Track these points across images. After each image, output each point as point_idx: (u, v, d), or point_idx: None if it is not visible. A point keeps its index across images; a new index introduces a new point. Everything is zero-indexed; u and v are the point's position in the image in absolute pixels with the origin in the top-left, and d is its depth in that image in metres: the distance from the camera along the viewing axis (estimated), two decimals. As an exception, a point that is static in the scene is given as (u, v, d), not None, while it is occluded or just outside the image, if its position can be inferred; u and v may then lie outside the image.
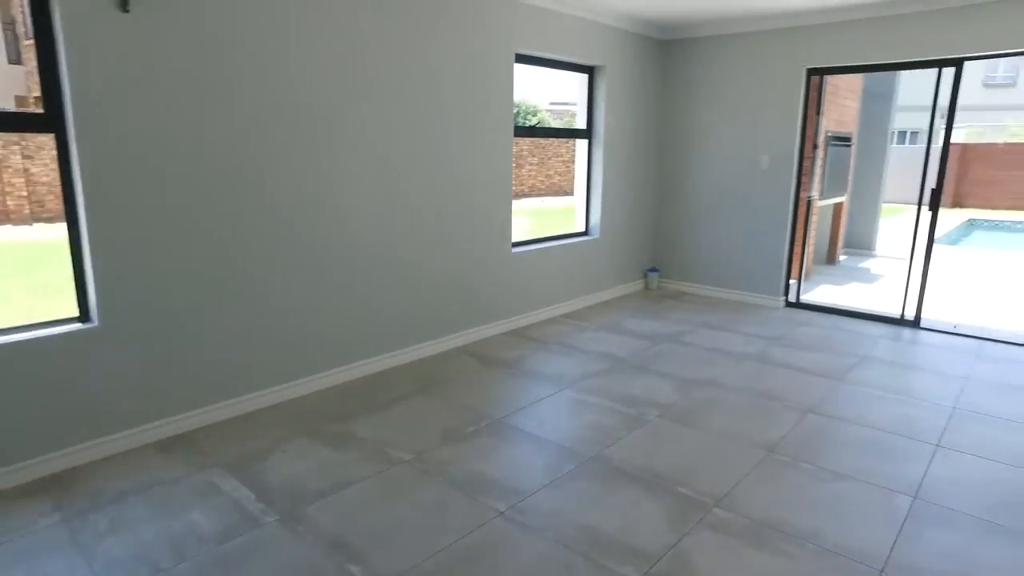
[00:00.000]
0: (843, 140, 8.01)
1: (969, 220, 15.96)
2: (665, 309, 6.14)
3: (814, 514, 2.80)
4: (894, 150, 23.58)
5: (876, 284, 7.61)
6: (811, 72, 5.87)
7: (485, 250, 5.06)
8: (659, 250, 7.01)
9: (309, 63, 3.73)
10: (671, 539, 2.61)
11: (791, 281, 6.37)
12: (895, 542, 2.62)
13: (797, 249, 6.40)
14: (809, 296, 6.76)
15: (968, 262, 9.57)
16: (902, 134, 25.95)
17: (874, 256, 9.49)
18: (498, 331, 5.28)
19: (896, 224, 14.53)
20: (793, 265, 6.37)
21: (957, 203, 18.89)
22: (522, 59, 5.20)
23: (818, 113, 6.18)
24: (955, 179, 18.86)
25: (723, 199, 6.45)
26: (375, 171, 4.18)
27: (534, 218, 14.44)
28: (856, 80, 8.26)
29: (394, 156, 4.27)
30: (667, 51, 6.56)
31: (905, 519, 2.78)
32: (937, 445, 3.45)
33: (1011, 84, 26.16)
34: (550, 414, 3.79)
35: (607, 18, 5.77)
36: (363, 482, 3.02)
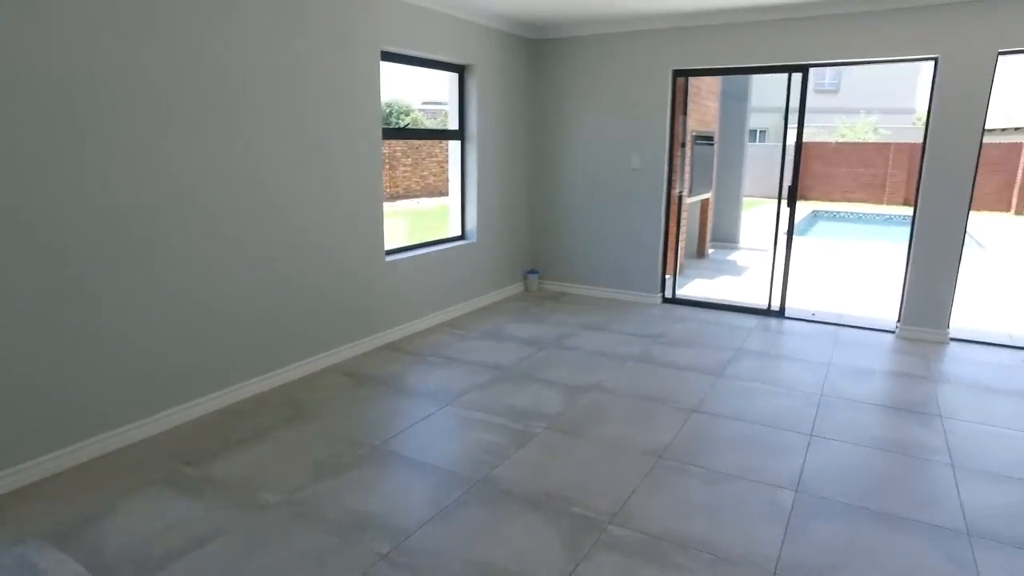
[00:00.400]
0: (706, 139, 8.35)
1: (813, 211, 17.39)
2: (546, 312, 6.07)
3: (706, 521, 2.75)
4: (749, 148, 25.31)
5: (743, 276, 7.99)
6: (676, 73, 6.01)
7: (357, 260, 4.72)
8: (538, 251, 6.94)
9: (161, 65, 3.24)
10: (567, 566, 2.46)
11: (667, 277, 6.51)
12: (783, 540, 2.62)
13: (671, 245, 6.56)
14: (684, 291, 6.95)
15: (817, 251, 10.33)
16: (753, 132, 27.97)
17: (739, 248, 10.01)
18: (374, 346, 4.96)
19: (753, 217, 15.56)
20: (668, 261, 6.52)
21: (801, 196, 20.51)
22: (389, 57, 4.90)
23: (684, 113, 6.34)
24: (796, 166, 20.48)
25: (598, 199, 6.48)
26: (224, 179, 3.73)
27: (411, 220, 14.08)
28: (715, 82, 8.63)
29: (250, 163, 3.84)
30: (538, 51, 6.49)
31: (790, 515, 2.80)
32: (811, 435, 3.56)
33: (835, 90, 28.96)
34: (432, 435, 3.55)
35: (478, 16, 5.59)
36: (224, 536, 2.63)
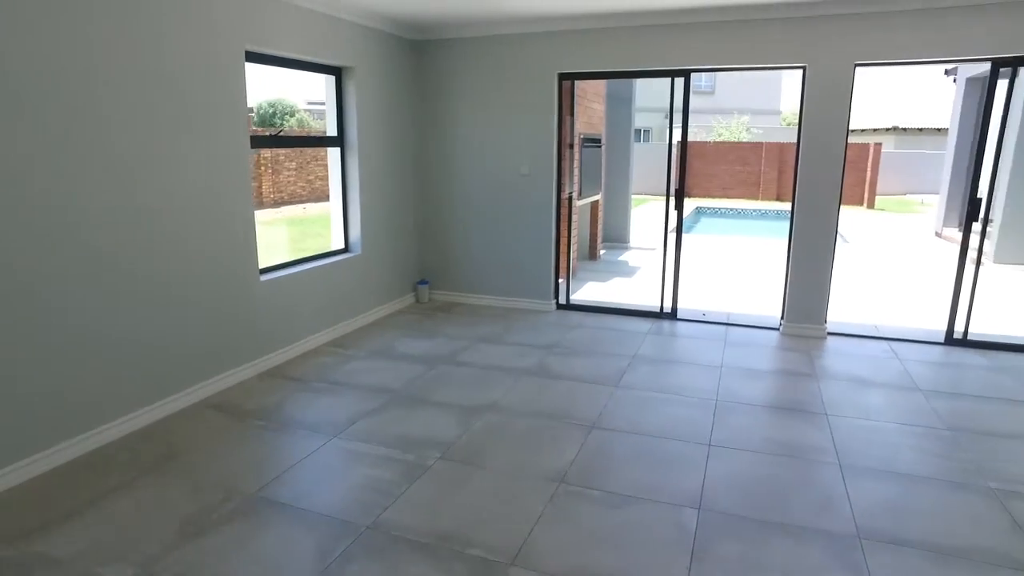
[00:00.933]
0: (594, 141, 8.39)
1: (697, 208, 18.14)
2: (438, 324, 5.83)
3: (612, 553, 2.62)
4: (635, 148, 26.09)
5: (635, 277, 8.08)
6: (562, 76, 5.93)
7: (227, 281, 4.28)
8: (427, 261, 6.68)
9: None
10: (466, 622, 2.25)
11: (560, 282, 6.45)
12: (690, 568, 2.54)
13: (563, 250, 6.50)
14: (578, 296, 6.92)
15: (703, 249, 10.70)
16: (638, 132, 28.93)
17: (630, 248, 10.18)
18: (250, 373, 4.53)
19: (641, 214, 16.01)
20: (561, 266, 6.46)
21: (685, 193, 21.40)
22: (255, 58, 4.49)
23: (571, 115, 6.28)
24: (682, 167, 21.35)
25: (488, 205, 6.31)
26: (63, 187, 3.23)
27: (298, 228, 13.37)
28: (601, 85, 8.70)
29: (94, 171, 3.34)
30: (422, 53, 6.23)
31: (695, 537, 2.72)
32: (709, 444, 3.54)
33: (711, 92, 30.54)
34: (316, 476, 3.23)
35: (354, 15, 5.26)
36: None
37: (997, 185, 9.36)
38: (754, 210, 18.19)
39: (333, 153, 5.59)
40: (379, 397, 4.18)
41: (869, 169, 19.21)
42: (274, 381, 4.45)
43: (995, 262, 8.66)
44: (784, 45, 5.16)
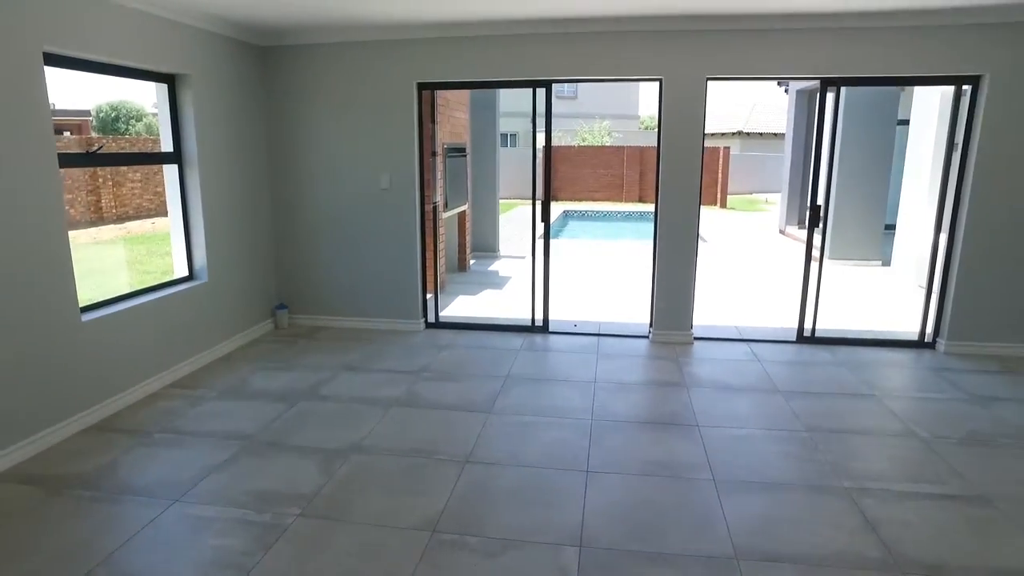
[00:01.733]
0: (459, 150, 8.22)
1: (564, 212, 18.52)
2: (299, 353, 5.40)
3: (490, 610, 2.44)
4: (501, 152, 26.28)
5: (505, 288, 7.99)
6: (422, 86, 5.70)
7: (34, 324, 3.66)
8: (286, 283, 6.20)
9: None
10: None
11: (428, 297, 6.21)
12: (572, 615, 2.40)
13: (430, 264, 6.26)
14: (448, 312, 6.72)
15: (572, 254, 10.85)
16: (504, 136, 29.20)
17: (500, 257, 10.10)
18: (74, 429, 3.92)
19: (510, 220, 16.09)
20: (429, 281, 6.22)
21: (552, 197, 21.84)
22: (60, 61, 3.88)
23: (433, 125, 6.04)
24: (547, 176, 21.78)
25: (349, 222, 5.95)
26: None
27: (144, 245, 12.15)
28: (464, 93, 8.54)
29: None
30: (271, 60, 5.74)
31: (576, 579, 2.60)
32: (587, 471, 3.45)
33: (574, 97, 31.48)
34: (151, 557, 2.78)
35: (188, 17, 4.72)
36: None
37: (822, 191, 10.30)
38: (619, 212, 18.86)
39: (170, 171, 5.01)
40: (230, 446, 3.74)
41: (720, 171, 20.50)
42: (104, 436, 3.87)
43: (829, 258, 9.43)
44: (641, 58, 5.24)
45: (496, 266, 9.51)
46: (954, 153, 5.21)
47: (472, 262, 9.63)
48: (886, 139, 9.32)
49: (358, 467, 3.50)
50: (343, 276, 6.06)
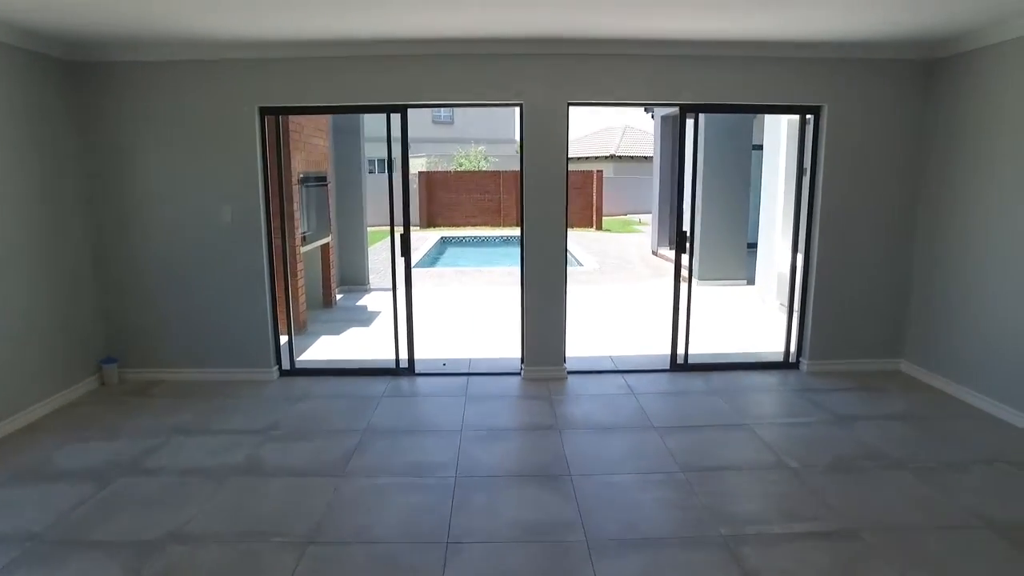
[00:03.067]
0: (319, 179, 7.67)
1: (442, 238, 18.17)
2: (126, 415, 4.65)
3: None
4: (369, 179, 25.69)
5: (373, 325, 7.47)
6: (265, 111, 5.16)
7: None
8: (116, 333, 5.38)
9: None
10: None
11: (284, 340, 5.62)
12: None
13: (284, 304, 5.68)
14: (308, 355, 6.13)
15: (448, 282, 10.49)
16: (374, 162, 28.56)
17: (369, 291, 9.55)
18: None
19: (381, 250, 15.52)
20: (284, 324, 5.63)
21: (431, 223, 21.45)
22: None
23: (280, 154, 5.48)
24: (426, 203, 21.39)
25: (185, 260, 5.26)
26: None
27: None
28: (323, 117, 8.00)
29: None
30: (81, 78, 4.98)
31: None
32: (447, 542, 3.05)
33: (450, 122, 31.46)
34: None
35: (-47, 26, 3.96)
36: None
37: (690, 214, 10.67)
38: (497, 237, 18.75)
39: (-57, 209, 4.17)
40: (7, 550, 3.02)
41: (595, 194, 20.99)
42: None
43: (698, 280, 9.67)
44: (500, 82, 5.02)
45: (365, 300, 8.96)
46: (804, 177, 5.36)
47: (339, 297, 9.03)
48: (743, 163, 9.75)
49: (175, 564, 2.91)
50: (181, 322, 5.35)
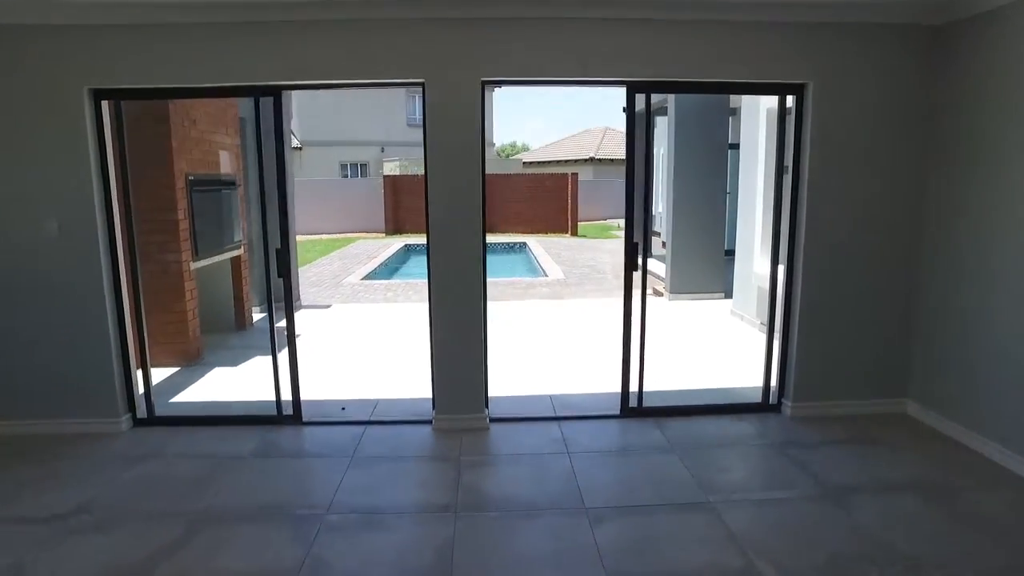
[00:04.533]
0: (222, 183, 6.55)
1: (406, 246, 16.99)
2: None
3: None
4: (339, 183, 24.47)
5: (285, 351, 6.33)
6: (99, 94, 4.03)
7: None
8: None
9: None
10: None
11: (146, 380, 4.48)
12: None
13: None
14: (189, 394, 5.04)
15: (396, 296, 9.36)
16: (349, 167, 27.45)
17: (299, 308, 8.41)
18: None
19: (342, 256, 14.40)
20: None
21: (398, 229, 20.31)
22: None
23: (122, 150, 4.32)
24: (392, 208, 20.26)
25: (1, 285, 4.13)
26: None
27: None
28: (229, 106, 6.87)
29: None
30: None
31: None
32: None
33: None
34: None
35: None
36: None
37: (663, 221, 9.71)
38: (465, 244, 17.60)
39: None
40: None
41: (569, 198, 19.93)
42: None
43: (671, 293, 8.61)
44: (397, 55, 3.93)
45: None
46: (784, 176, 4.31)
47: (263, 315, 7.89)
48: (719, 164, 8.67)
49: None
50: (2, 362, 4.20)
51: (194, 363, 5.83)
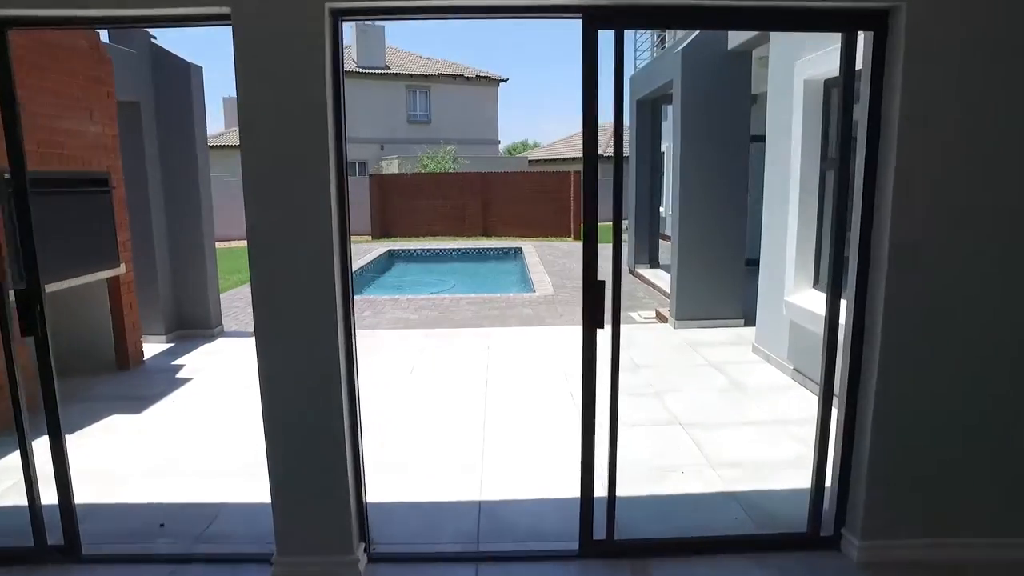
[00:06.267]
0: (81, 183, 5.01)
1: (389, 251, 15.44)
2: None
3: None
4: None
5: (155, 407, 4.75)
6: None
7: None
8: None
9: None
10: None
11: None
12: None
13: None
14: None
15: (375, 313, 7.75)
16: (352, 164, 25.95)
17: (215, 337, 6.83)
18: None
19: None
20: None
21: (384, 233, 18.77)
22: None
23: None
24: (378, 210, 18.72)
25: None
26: None
27: None
28: (93, 86, 5.31)
29: None
30: None
31: None
32: None
33: (427, 121, 28.77)
34: None
35: None
36: None
37: (668, 247, 8.00)
38: (455, 249, 15.99)
39: None
40: None
41: (571, 198, 18.26)
42: None
43: (676, 320, 6.94)
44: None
45: (201, 351, 6.25)
46: (853, 161, 2.64)
47: (169, 346, 6.35)
48: (738, 160, 6.96)
49: None
50: None
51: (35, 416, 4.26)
